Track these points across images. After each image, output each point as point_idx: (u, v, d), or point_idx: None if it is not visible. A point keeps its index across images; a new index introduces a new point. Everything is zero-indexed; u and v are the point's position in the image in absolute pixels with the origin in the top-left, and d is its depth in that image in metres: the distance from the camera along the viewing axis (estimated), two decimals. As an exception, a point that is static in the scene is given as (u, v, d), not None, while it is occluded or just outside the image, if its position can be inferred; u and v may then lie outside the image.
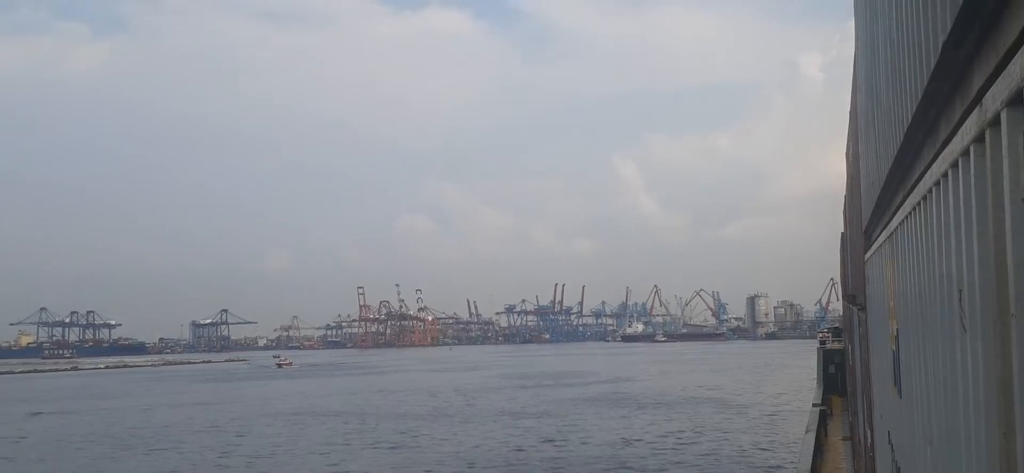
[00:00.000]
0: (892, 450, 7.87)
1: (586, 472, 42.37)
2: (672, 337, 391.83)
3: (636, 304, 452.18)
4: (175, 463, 48.81)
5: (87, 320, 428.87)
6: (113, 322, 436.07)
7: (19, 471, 48.69)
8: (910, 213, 5.14)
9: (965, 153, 3.18)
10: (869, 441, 13.33)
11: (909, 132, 4.70)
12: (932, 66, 3.49)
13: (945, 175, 3.67)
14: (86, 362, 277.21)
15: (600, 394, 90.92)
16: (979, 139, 2.94)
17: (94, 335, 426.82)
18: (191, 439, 60.04)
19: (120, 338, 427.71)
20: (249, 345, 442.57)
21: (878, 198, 7.49)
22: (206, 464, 47.52)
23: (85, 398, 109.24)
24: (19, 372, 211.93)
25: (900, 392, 6.59)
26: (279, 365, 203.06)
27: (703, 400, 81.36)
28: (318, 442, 57.34)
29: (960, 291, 3.40)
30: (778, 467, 42.44)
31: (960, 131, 3.26)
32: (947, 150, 3.59)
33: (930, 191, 4.18)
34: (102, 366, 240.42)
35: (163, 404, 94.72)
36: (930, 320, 4.45)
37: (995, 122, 2.72)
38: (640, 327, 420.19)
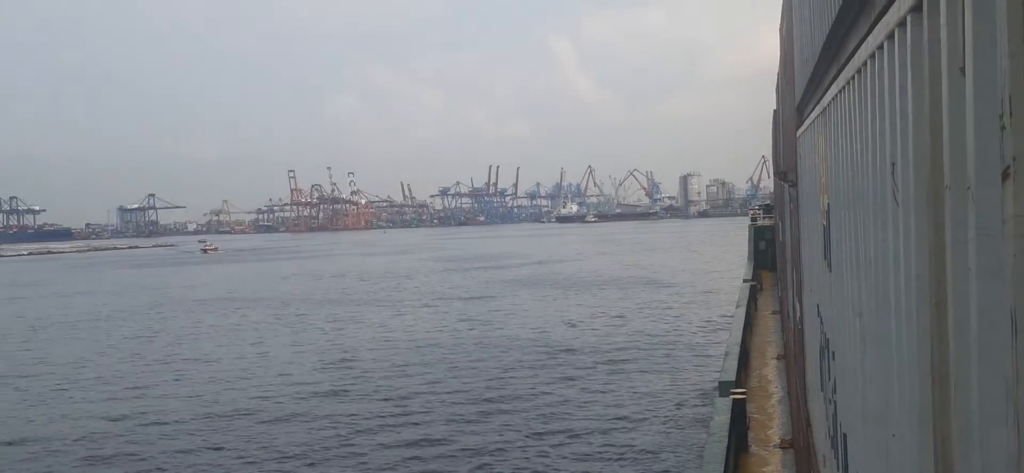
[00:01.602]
0: (821, 322, 8.05)
1: (516, 356, 42.71)
2: (605, 217, 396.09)
3: (570, 185, 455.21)
4: (79, 352, 47.85)
5: (10, 206, 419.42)
6: (37, 208, 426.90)
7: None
8: (844, 87, 5.13)
9: (902, 23, 3.13)
10: (798, 314, 13.65)
11: (845, 4, 4.66)
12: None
13: (880, 47, 3.63)
14: (8, 249, 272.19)
15: (533, 276, 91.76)
16: (917, 8, 2.90)
17: (18, 221, 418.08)
18: (99, 328, 59.09)
19: (45, 224, 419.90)
20: (178, 230, 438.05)
21: (812, 73, 7.49)
22: (104, 356, 46.45)
23: (9, 286, 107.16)
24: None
25: (830, 266, 6.69)
26: (204, 251, 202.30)
27: (635, 280, 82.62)
28: (227, 328, 56.84)
29: (893, 164, 3.40)
30: (709, 342, 43.48)
31: (897, 1, 3.21)
32: (883, 21, 3.54)
33: (865, 64, 4.15)
34: (25, 253, 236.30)
35: (78, 292, 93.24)
36: (862, 194, 4.47)
37: (935, -10, 2.68)
38: (574, 208, 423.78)
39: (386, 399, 33.51)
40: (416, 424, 29.52)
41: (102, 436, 29.61)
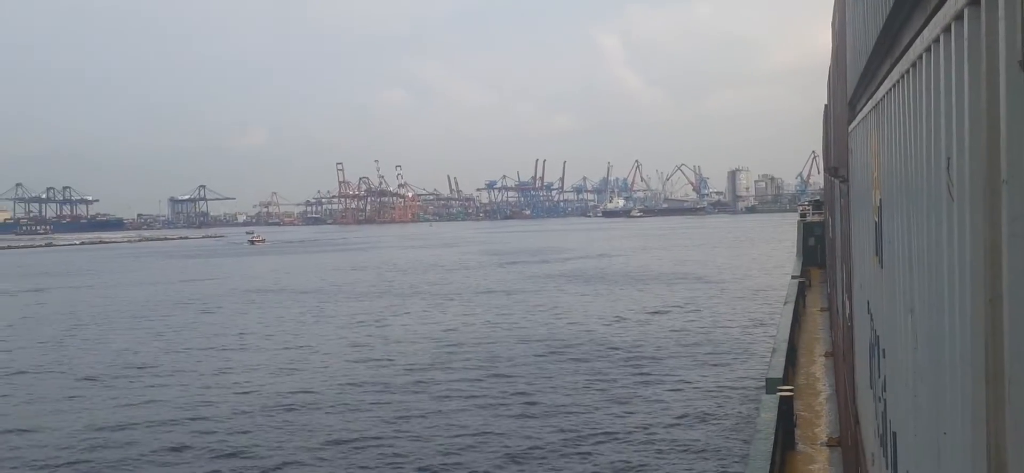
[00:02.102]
0: (871, 319, 7.96)
1: (559, 351, 42.69)
2: (652, 212, 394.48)
3: (617, 179, 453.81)
4: (122, 343, 48.20)
5: (64, 196, 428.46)
6: (90, 198, 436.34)
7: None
8: (898, 81, 5.07)
9: (958, 16, 3.10)
10: (847, 311, 13.50)
11: (899, -2, 4.61)
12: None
13: (936, 40, 3.59)
14: (62, 238, 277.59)
15: (578, 270, 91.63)
16: (974, 1, 2.87)
17: (71, 210, 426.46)
18: (144, 318, 59.80)
19: (98, 214, 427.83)
20: (228, 221, 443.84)
21: (864, 67, 7.40)
22: (148, 348, 46.54)
23: (53, 275, 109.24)
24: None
25: (882, 262, 6.62)
26: (251, 242, 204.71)
27: (681, 275, 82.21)
28: (270, 320, 57.01)
29: (948, 159, 3.37)
30: (756, 339, 43.16)
31: (954, -6, 3.18)
32: (939, 14, 3.51)
33: (920, 58, 4.10)
34: (78, 242, 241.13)
35: (126, 282, 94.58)
36: (915, 189, 4.43)
37: (993, -17, 2.65)
38: (621, 202, 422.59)
39: (425, 392, 33.63)
40: (454, 418, 29.56)
41: (135, 428, 30.09)
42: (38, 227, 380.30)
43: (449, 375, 36.55)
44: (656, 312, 54.74)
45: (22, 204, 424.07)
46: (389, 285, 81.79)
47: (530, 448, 25.91)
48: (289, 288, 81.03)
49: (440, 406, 31.30)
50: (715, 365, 37.06)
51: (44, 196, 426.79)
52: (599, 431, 27.42)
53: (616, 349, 41.44)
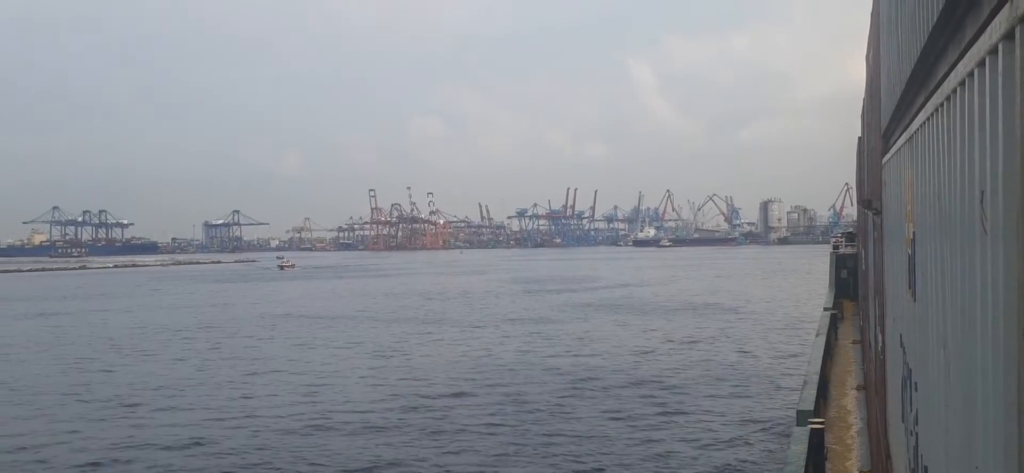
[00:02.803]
0: (904, 352, 7.91)
1: (584, 380, 42.48)
2: (683, 242, 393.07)
3: (648, 209, 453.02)
4: (119, 368, 47.50)
5: (100, 219, 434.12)
6: (126, 221, 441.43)
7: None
8: (932, 114, 5.07)
9: (993, 51, 3.11)
10: (880, 344, 13.40)
11: (934, 31, 4.62)
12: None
13: (971, 74, 3.60)
14: (95, 261, 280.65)
15: (606, 300, 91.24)
16: (1009, 36, 2.88)
17: (107, 234, 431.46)
18: (159, 343, 59.30)
19: (133, 237, 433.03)
20: (262, 246, 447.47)
21: (899, 100, 7.39)
22: (156, 373, 45.92)
23: (77, 298, 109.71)
24: (27, 270, 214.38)
25: (915, 295, 6.59)
26: (281, 267, 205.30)
27: (710, 306, 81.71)
28: (288, 346, 56.30)
29: (982, 192, 3.37)
30: (787, 371, 42.78)
31: (989, 28, 3.19)
32: (974, 48, 3.52)
33: (954, 91, 4.11)
34: (110, 265, 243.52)
35: (150, 306, 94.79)
36: (949, 222, 4.42)
37: (1027, 17, 2.66)
38: (652, 232, 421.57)
39: (446, 419, 33.31)
40: (474, 445, 29.32)
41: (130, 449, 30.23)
42: (73, 250, 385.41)
43: (470, 402, 36.32)
44: (684, 342, 54.39)
45: (58, 227, 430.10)
46: (415, 312, 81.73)
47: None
48: (310, 314, 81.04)
49: (460, 434, 31.00)
50: (744, 397, 36.74)
51: (80, 219, 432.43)
52: (624, 462, 27.23)
53: (643, 379, 41.08)
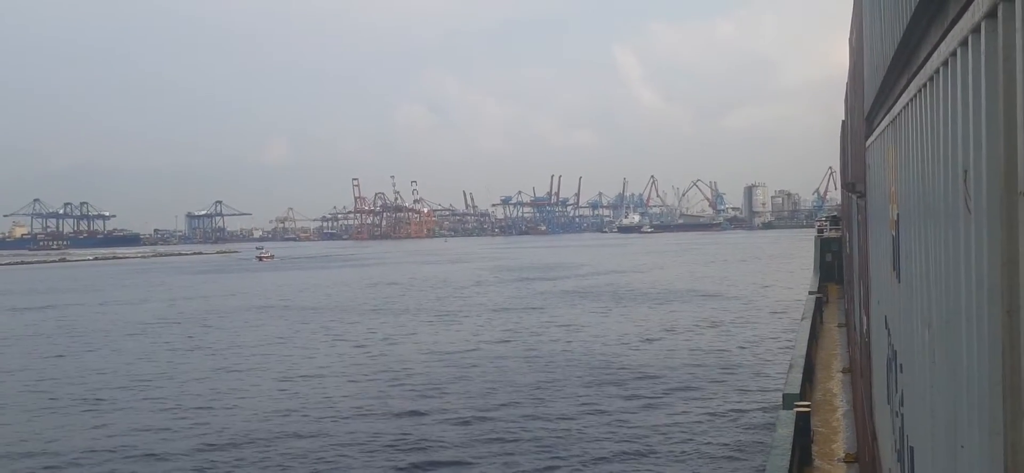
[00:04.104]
0: (888, 334, 7.94)
1: (567, 370, 42.48)
2: (667, 228, 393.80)
3: (633, 195, 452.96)
4: (90, 366, 46.03)
5: (81, 211, 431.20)
6: (107, 213, 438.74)
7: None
8: (915, 96, 5.08)
9: (975, 30, 3.11)
10: (865, 326, 13.46)
11: (917, 12, 4.62)
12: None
13: (953, 54, 3.60)
14: (76, 253, 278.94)
15: (590, 287, 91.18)
16: (991, 14, 2.88)
17: (88, 226, 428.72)
18: (124, 337, 58.37)
19: (115, 230, 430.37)
20: (245, 236, 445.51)
21: (881, 83, 7.41)
22: (117, 369, 45.09)
23: (51, 292, 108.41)
24: (4, 264, 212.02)
25: (899, 277, 6.61)
26: (259, 258, 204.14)
27: (695, 292, 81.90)
28: (257, 340, 55.23)
29: (965, 172, 3.37)
30: (772, 356, 42.96)
31: (971, 8, 3.19)
32: (956, 28, 3.52)
33: (937, 72, 4.12)
34: (91, 258, 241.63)
35: (123, 300, 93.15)
36: (933, 203, 4.43)
37: (1009, -4, 2.66)
38: (636, 218, 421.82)
39: (426, 412, 32.71)
40: (457, 441, 28.77)
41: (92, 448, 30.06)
42: (54, 243, 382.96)
43: (452, 395, 35.81)
44: (670, 328, 54.46)
45: (40, 220, 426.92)
46: (393, 302, 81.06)
47: (536, 469, 25.76)
48: (286, 305, 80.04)
49: (440, 426, 30.52)
50: (730, 382, 36.86)
51: (61, 212, 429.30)
52: (610, 449, 27.26)
53: (628, 365, 41.11)
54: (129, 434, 30.84)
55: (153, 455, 27.82)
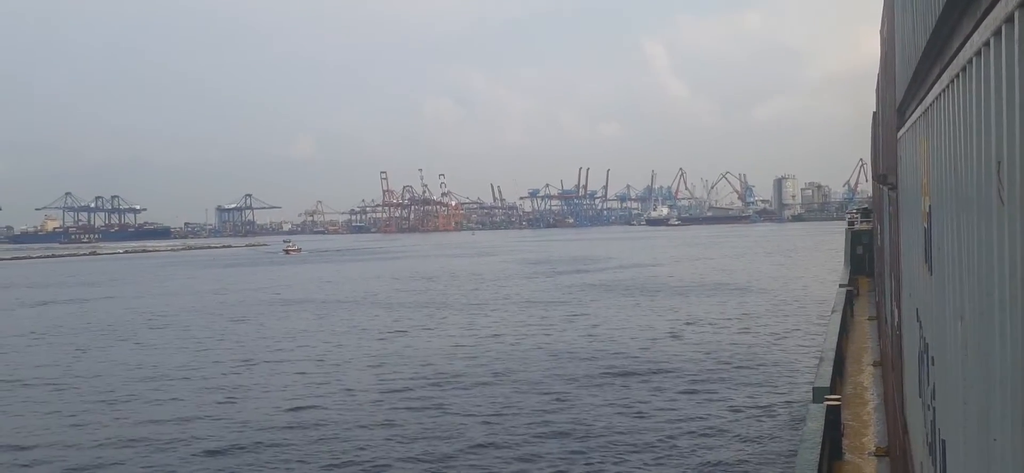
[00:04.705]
0: (920, 326, 7.88)
1: (596, 361, 42.43)
2: (696, 220, 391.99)
3: (661, 187, 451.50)
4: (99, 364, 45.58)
5: (112, 205, 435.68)
6: (138, 207, 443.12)
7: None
8: (948, 86, 5.04)
9: (1009, 19, 3.09)
10: (896, 320, 13.35)
11: (949, 3, 4.58)
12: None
13: (986, 44, 3.57)
14: (107, 247, 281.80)
15: (618, 280, 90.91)
16: (1024, 4, 2.85)
17: (119, 219, 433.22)
18: (142, 331, 58.55)
19: (145, 223, 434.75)
20: (274, 230, 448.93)
21: (913, 73, 7.34)
22: (133, 362, 45.29)
23: (79, 285, 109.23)
24: (36, 257, 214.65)
25: (931, 269, 6.56)
26: (286, 251, 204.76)
27: (724, 285, 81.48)
28: (279, 334, 54.94)
29: (999, 163, 3.35)
30: (802, 349, 42.71)
31: (1004, -2, 3.16)
32: (989, 18, 3.49)
33: (970, 62, 4.08)
34: (121, 251, 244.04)
35: (149, 293, 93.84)
36: (965, 195, 4.40)
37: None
38: (665, 210, 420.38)
39: (451, 405, 32.70)
40: (482, 434, 28.67)
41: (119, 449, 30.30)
42: (85, 236, 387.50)
43: (476, 387, 35.83)
44: (699, 322, 54.21)
45: (71, 213, 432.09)
46: (420, 295, 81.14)
47: (563, 461, 25.71)
48: (307, 299, 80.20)
49: (465, 419, 30.47)
50: (760, 375, 36.68)
51: (93, 205, 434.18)
52: (637, 441, 27.19)
53: (657, 359, 40.98)
54: (155, 424, 31.17)
55: (186, 443, 28.11)
